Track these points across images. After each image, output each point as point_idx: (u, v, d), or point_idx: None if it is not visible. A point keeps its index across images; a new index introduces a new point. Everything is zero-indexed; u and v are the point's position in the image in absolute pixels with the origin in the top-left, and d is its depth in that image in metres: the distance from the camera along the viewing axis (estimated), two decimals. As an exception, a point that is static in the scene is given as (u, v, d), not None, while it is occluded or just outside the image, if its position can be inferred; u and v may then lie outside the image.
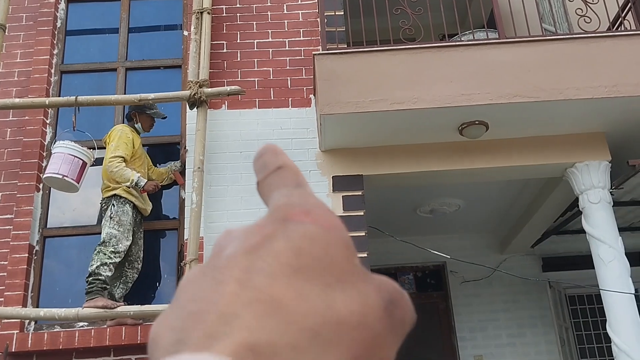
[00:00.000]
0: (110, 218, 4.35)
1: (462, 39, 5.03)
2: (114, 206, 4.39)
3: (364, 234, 4.76)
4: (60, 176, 4.46)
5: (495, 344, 7.13)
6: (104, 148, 4.93)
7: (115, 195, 4.43)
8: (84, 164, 4.57)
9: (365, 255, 4.68)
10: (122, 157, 4.44)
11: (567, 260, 7.41)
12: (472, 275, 7.20)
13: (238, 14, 5.50)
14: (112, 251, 4.23)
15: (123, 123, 4.85)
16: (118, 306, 4.10)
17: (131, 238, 4.38)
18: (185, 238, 4.54)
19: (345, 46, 5.08)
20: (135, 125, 4.67)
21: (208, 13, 5.20)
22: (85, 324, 4.46)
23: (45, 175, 4.57)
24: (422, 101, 4.54)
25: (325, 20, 5.07)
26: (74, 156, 4.51)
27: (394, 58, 4.67)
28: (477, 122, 4.72)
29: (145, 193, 4.55)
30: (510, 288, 7.26)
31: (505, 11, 5.10)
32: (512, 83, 4.56)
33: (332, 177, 4.93)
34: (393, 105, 4.53)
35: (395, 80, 4.60)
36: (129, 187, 4.44)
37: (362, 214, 4.82)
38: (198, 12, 5.18)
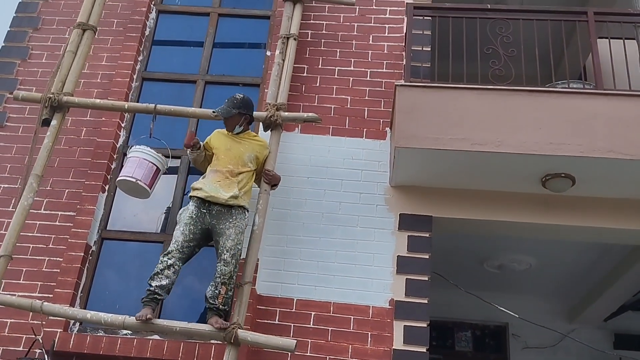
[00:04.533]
0: (177, 222, 4.21)
1: (557, 87, 4.72)
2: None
3: (426, 278, 4.49)
4: (134, 180, 4.41)
5: (554, 421, 6.57)
6: (177, 157, 4.89)
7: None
8: (157, 170, 4.51)
9: (426, 301, 4.39)
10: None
11: (643, 341, 6.81)
12: (535, 341, 6.72)
13: (323, 40, 5.43)
14: (165, 254, 4.04)
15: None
16: (150, 319, 3.84)
17: (188, 232, 4.04)
18: (241, 258, 4.38)
19: (429, 81, 4.88)
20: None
21: (295, 39, 5.15)
22: (130, 332, 4.33)
23: (118, 178, 4.52)
24: (506, 145, 4.27)
25: (412, 55, 4.91)
26: (148, 161, 4.47)
27: (480, 97, 4.44)
28: (563, 175, 4.40)
29: (211, 177, 4.22)
30: (576, 361, 6.72)
31: (605, 63, 4.78)
32: (607, 137, 4.24)
33: (400, 214, 4.70)
34: (474, 145, 4.28)
35: (479, 120, 4.37)
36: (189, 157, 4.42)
37: (427, 257, 4.55)
38: (285, 37, 5.13)
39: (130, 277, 4.69)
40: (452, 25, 4.83)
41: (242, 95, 4.45)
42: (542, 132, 4.28)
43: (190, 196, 4.21)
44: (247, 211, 4.24)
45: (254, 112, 4.60)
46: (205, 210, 4.12)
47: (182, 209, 4.22)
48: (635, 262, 5.35)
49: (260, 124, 4.74)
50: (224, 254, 4.03)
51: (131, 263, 4.79)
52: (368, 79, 5.23)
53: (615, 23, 4.80)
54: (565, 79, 4.81)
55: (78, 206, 4.78)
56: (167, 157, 4.62)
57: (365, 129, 5.02)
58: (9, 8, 5.90)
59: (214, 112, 4.44)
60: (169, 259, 4.00)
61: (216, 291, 3.98)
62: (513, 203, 4.68)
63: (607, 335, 6.86)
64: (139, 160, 4.47)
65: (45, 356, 4.06)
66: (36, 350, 4.21)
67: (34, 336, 4.22)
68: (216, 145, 4.38)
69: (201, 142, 4.43)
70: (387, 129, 5.01)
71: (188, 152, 4.42)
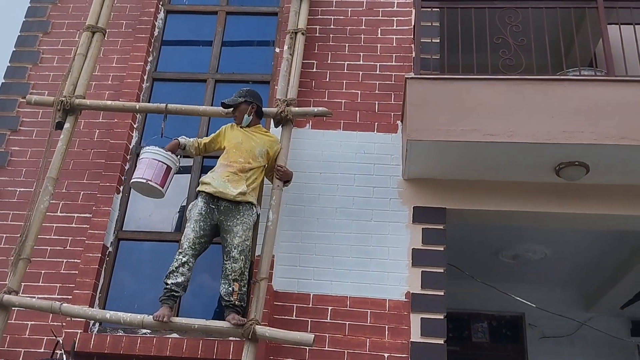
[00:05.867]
0: (187, 219, 4.24)
1: (568, 75, 4.70)
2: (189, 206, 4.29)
3: (442, 270, 4.49)
4: (144, 180, 4.41)
5: (574, 409, 6.56)
6: (189, 157, 4.92)
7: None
8: (169, 169, 4.51)
9: (442, 293, 4.40)
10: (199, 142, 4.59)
11: (660, 327, 6.78)
12: (552, 331, 6.70)
13: (331, 35, 5.43)
14: (179, 252, 4.08)
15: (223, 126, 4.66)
16: (167, 318, 3.88)
17: (198, 228, 4.10)
18: (257, 255, 4.41)
19: (439, 73, 4.87)
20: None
21: (302, 34, 5.16)
22: (149, 331, 4.37)
23: (131, 181, 4.54)
24: (518, 135, 4.26)
25: (421, 47, 4.89)
26: (158, 160, 4.47)
27: (491, 88, 4.43)
28: (576, 163, 4.39)
29: (224, 175, 4.24)
30: (593, 350, 6.70)
31: (616, 50, 4.75)
32: (620, 124, 4.21)
33: (413, 207, 4.70)
34: (486, 136, 4.27)
35: (490, 111, 4.36)
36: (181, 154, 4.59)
37: (442, 249, 4.55)
38: (293, 32, 5.15)
39: (147, 276, 4.72)
40: (461, 16, 4.81)
41: (248, 87, 4.62)
42: (555, 120, 4.26)
43: (199, 190, 4.26)
44: (255, 207, 4.27)
45: (265, 108, 4.64)
46: (213, 206, 4.17)
47: (191, 204, 4.27)
48: (651, 248, 5.34)
49: (272, 120, 4.76)
50: (232, 251, 4.06)
51: (147, 263, 4.82)
52: (378, 72, 5.23)
53: (625, 9, 4.77)
54: (576, 66, 4.78)
55: (93, 208, 4.83)
56: (179, 156, 4.64)
57: (376, 123, 5.02)
58: (19, 13, 5.93)
59: (223, 102, 4.53)
60: (182, 256, 4.04)
61: (229, 288, 4.00)
62: (527, 193, 4.67)
63: (624, 323, 6.83)
64: (149, 161, 4.48)
65: (64, 357, 4.11)
66: (57, 352, 4.26)
67: (54, 338, 4.27)
68: (227, 139, 4.43)
69: (186, 142, 4.54)
70: (399, 122, 5.01)
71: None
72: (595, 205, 4.64)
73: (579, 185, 4.62)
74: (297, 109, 4.73)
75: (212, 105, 5.16)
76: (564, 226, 5.13)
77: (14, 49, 5.71)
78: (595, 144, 4.17)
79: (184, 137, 4.60)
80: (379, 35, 5.38)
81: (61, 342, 4.14)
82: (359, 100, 5.12)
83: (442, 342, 4.25)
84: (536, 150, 4.28)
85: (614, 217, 4.67)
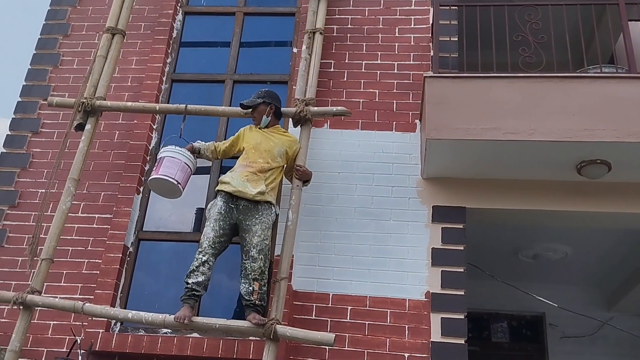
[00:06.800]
0: (207, 218, 4.26)
1: (589, 73, 4.65)
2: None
3: (462, 270, 4.47)
4: (175, 182, 4.43)
5: (596, 410, 6.50)
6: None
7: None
8: (190, 172, 4.56)
9: (463, 293, 4.38)
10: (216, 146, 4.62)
11: (684, 327, 6.67)
12: (573, 330, 6.64)
13: (348, 35, 5.43)
14: (199, 251, 4.09)
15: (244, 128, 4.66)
16: (188, 320, 3.90)
17: (218, 227, 4.10)
18: (276, 254, 4.42)
19: (458, 71, 4.85)
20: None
21: (320, 33, 5.16)
22: (170, 331, 4.40)
23: (158, 176, 4.45)
24: (538, 133, 4.22)
25: (439, 45, 4.87)
26: (188, 166, 4.50)
27: (511, 86, 4.39)
28: (598, 161, 4.34)
29: (240, 174, 4.24)
30: (615, 349, 6.63)
31: (637, 47, 4.69)
32: (643, 121, 4.16)
33: (433, 206, 4.68)
34: (506, 135, 4.24)
35: (510, 109, 4.32)
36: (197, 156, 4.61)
37: (462, 248, 4.52)
38: (311, 32, 5.15)
39: (167, 276, 4.76)
40: (480, 14, 4.78)
41: (266, 88, 4.64)
42: (576, 118, 4.22)
43: (218, 190, 4.27)
44: (274, 207, 4.28)
45: (284, 108, 4.65)
46: (233, 206, 4.18)
47: (210, 204, 4.28)
48: (674, 247, 5.27)
49: (290, 120, 4.77)
50: (251, 251, 4.06)
51: (168, 263, 4.85)
52: (395, 71, 5.21)
53: (647, 4, 4.72)
54: (596, 63, 4.73)
55: (114, 208, 4.86)
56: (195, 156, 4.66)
57: (394, 122, 5.01)
58: (39, 16, 6.01)
59: (241, 103, 4.54)
60: (202, 255, 4.06)
61: (250, 288, 4.01)
62: (548, 191, 4.63)
63: (647, 323, 6.75)
64: (181, 164, 4.48)
65: (80, 357, 4.15)
66: (78, 351, 4.31)
67: (74, 337, 4.31)
68: (246, 140, 4.44)
69: (201, 147, 4.59)
70: (417, 121, 5.00)
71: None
72: (617, 203, 4.59)
73: (601, 184, 4.57)
74: (315, 108, 4.73)
75: (230, 106, 5.17)
76: (585, 225, 5.08)
77: (35, 52, 5.77)
78: (617, 142, 4.13)
79: (199, 141, 4.62)
80: (397, 34, 5.37)
81: (79, 341, 4.17)
82: (377, 100, 5.12)
83: (463, 342, 4.23)
84: (557, 148, 4.24)
85: (636, 216, 4.61)
